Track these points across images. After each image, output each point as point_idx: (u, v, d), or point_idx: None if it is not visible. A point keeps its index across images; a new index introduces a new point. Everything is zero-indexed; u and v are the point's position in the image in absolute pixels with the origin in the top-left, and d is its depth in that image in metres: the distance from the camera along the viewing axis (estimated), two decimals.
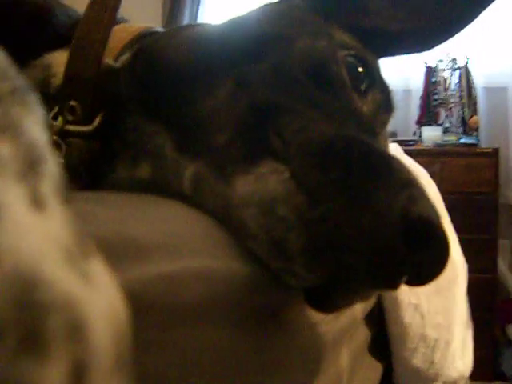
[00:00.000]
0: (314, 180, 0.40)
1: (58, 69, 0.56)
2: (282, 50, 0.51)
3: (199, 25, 0.62)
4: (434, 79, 3.21)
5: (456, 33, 0.64)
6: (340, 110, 0.48)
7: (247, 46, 0.52)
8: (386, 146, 0.57)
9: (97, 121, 0.54)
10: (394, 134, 3.36)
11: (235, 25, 0.58)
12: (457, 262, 0.94)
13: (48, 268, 0.19)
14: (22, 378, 0.17)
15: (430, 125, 3.14)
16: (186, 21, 3.60)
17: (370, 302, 0.76)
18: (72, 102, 0.54)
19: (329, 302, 0.44)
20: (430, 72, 3.22)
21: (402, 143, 3.07)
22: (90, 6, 0.57)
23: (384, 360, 0.92)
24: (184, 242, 0.40)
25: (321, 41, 0.53)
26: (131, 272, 0.33)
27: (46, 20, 0.60)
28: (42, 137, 0.24)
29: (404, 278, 0.41)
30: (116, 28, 0.60)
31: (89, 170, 0.55)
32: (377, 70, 0.57)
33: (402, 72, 3.36)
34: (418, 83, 3.30)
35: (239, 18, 0.60)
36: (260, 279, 0.43)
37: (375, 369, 0.88)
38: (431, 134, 2.96)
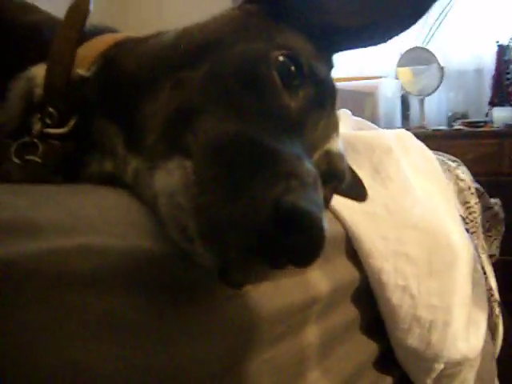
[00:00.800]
0: (206, 173, 0.46)
1: (40, 80, 0.64)
2: (218, 56, 0.56)
3: (161, 33, 0.68)
4: (506, 57, 3.09)
5: (411, 25, 0.67)
6: (258, 109, 0.52)
7: (188, 52, 0.58)
8: (320, 135, 0.59)
9: (70, 124, 0.62)
10: (464, 116, 3.29)
11: (185, 32, 0.64)
12: (456, 245, 0.94)
13: None
14: None
15: (502, 105, 3.04)
16: None
17: (340, 282, 0.79)
18: (50, 109, 0.62)
19: (232, 279, 0.49)
20: (502, 50, 3.11)
21: (470, 125, 3.00)
22: (63, 24, 0.65)
23: (382, 339, 0.95)
24: (90, 224, 0.47)
25: (256, 44, 0.58)
26: (28, 246, 0.40)
27: (33, 37, 0.68)
28: None
29: (284, 260, 0.45)
30: (94, 39, 0.68)
31: (66, 166, 0.63)
32: (312, 67, 0.59)
33: (473, 51, 3.27)
34: (489, 62, 3.19)
35: (192, 25, 0.65)
36: (171, 257, 0.49)
37: (365, 346, 0.91)
38: (501, 115, 2.86)
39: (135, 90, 0.59)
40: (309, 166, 0.47)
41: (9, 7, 0.72)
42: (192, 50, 0.59)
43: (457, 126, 3.22)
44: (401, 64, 3.46)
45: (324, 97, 0.60)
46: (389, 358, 0.97)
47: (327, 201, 0.63)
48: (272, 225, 0.41)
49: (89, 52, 0.65)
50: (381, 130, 1.17)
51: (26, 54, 0.66)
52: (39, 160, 0.60)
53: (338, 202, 0.81)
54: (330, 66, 0.68)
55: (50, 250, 0.41)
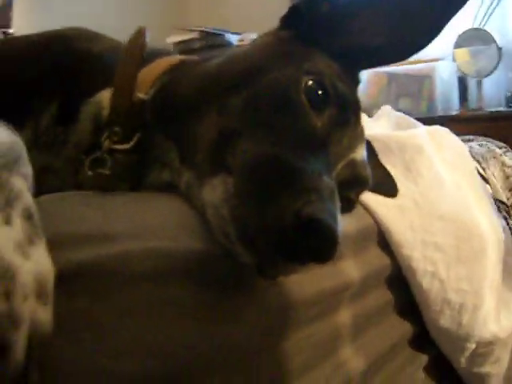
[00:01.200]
0: (242, 188, 0.56)
1: (106, 103, 0.75)
2: (255, 83, 0.67)
3: (211, 57, 0.78)
4: None
5: (428, 43, 0.76)
6: (288, 130, 0.62)
7: (229, 79, 0.69)
8: (345, 147, 0.69)
9: (134, 140, 0.73)
10: None
11: (228, 59, 0.74)
12: (484, 234, 1.02)
13: (2, 251, 0.39)
14: None
15: None
16: None
17: (371, 269, 0.89)
18: (116, 128, 0.73)
19: (267, 273, 0.60)
20: None
21: None
22: (124, 55, 0.76)
23: (416, 320, 1.04)
24: (151, 230, 0.59)
25: (287, 71, 0.68)
26: (103, 252, 0.53)
27: (100, 65, 0.79)
28: (22, 185, 0.46)
29: (306, 258, 0.55)
30: (151, 65, 0.79)
31: (132, 176, 0.74)
32: (336, 89, 0.68)
33: None
34: None
35: (235, 52, 0.76)
36: (217, 256, 0.60)
37: (398, 327, 1.00)
38: None
39: (186, 112, 0.69)
40: (327, 182, 0.57)
41: (83, 37, 0.83)
42: (233, 77, 0.69)
43: None
44: (458, 45, 3.46)
45: (347, 114, 0.70)
46: (424, 338, 1.06)
47: (353, 203, 0.73)
48: (293, 230, 0.52)
49: (147, 77, 0.76)
50: (419, 126, 1.24)
51: (94, 81, 0.77)
52: (108, 172, 0.72)
53: (370, 198, 0.91)
54: (356, 82, 0.77)
55: (119, 253, 0.54)
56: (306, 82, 0.66)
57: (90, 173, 0.72)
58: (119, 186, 0.72)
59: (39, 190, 0.70)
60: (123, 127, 0.73)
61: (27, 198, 0.46)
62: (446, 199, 1.00)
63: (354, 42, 0.76)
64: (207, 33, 3.95)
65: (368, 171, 0.72)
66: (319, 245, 0.53)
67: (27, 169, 0.50)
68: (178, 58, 0.83)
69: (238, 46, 0.77)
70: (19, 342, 0.38)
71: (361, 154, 0.72)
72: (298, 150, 0.60)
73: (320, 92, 0.67)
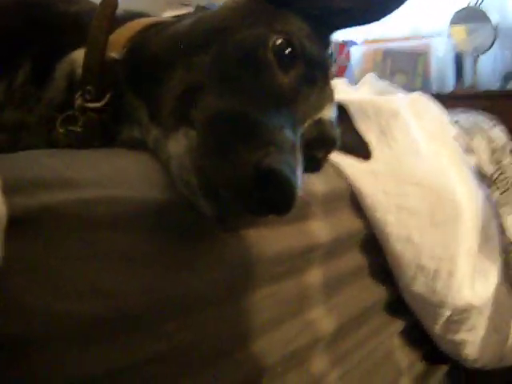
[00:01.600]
0: (204, 141, 0.57)
1: (80, 63, 0.76)
2: (223, 41, 0.67)
3: (182, 18, 0.78)
4: None
5: (399, 6, 0.76)
6: (254, 87, 0.63)
7: (199, 38, 0.69)
8: (312, 106, 0.69)
9: (105, 99, 0.73)
10: None
11: (199, 19, 0.74)
12: (460, 201, 1.02)
13: None
14: None
15: None
16: None
17: (343, 232, 0.89)
18: (88, 87, 0.74)
19: (227, 225, 0.60)
20: None
21: None
22: (96, 14, 0.76)
23: (391, 286, 1.04)
24: (114, 180, 0.59)
25: (256, 30, 0.68)
26: (60, 196, 0.53)
27: (75, 26, 0.79)
28: None
29: (264, 209, 0.55)
30: (125, 26, 0.79)
31: (104, 134, 0.75)
32: (304, 49, 0.69)
33: None
34: None
35: (206, 13, 0.76)
36: (177, 205, 0.60)
37: (373, 290, 1.01)
38: None
39: (155, 70, 0.70)
40: (288, 135, 0.57)
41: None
42: (202, 35, 0.69)
43: (510, 85, 3.19)
44: (454, 23, 3.42)
45: (315, 73, 0.70)
46: (400, 304, 1.07)
47: (321, 162, 0.73)
48: (253, 181, 0.52)
49: (120, 37, 0.77)
50: (401, 94, 1.24)
51: (69, 40, 0.78)
52: (79, 130, 0.73)
53: (343, 160, 0.91)
54: (327, 43, 0.77)
55: (78, 199, 0.54)
56: (275, 41, 0.67)
57: (61, 130, 0.73)
58: (91, 143, 0.73)
59: (14, 148, 0.71)
60: (95, 86, 0.74)
61: None
62: (422, 165, 1.00)
63: (323, 4, 0.76)
64: (202, 7, 3.92)
65: (336, 131, 0.72)
66: (277, 196, 0.53)
67: None
68: (151, 19, 0.83)
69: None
70: None
71: (329, 113, 0.72)
72: (262, 105, 0.61)
73: (288, 51, 0.67)
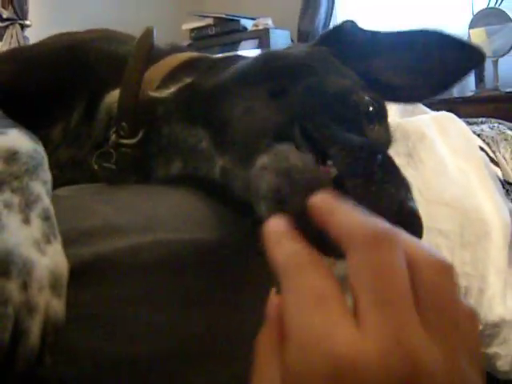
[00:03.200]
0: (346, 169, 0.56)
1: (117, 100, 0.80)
2: (313, 79, 0.69)
3: (237, 58, 0.82)
4: None
5: (449, 88, 0.83)
6: (356, 132, 0.64)
7: (281, 70, 0.71)
8: None
9: (139, 135, 0.77)
10: None
11: (268, 55, 0.78)
12: (489, 219, 1.04)
13: (21, 248, 0.43)
14: None
15: None
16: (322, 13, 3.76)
17: None
18: (123, 123, 0.77)
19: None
20: None
21: None
22: (132, 56, 0.80)
23: None
24: (159, 222, 0.63)
25: (347, 80, 0.71)
26: (108, 245, 0.56)
27: (120, 65, 0.83)
28: (40, 189, 0.52)
29: None
30: (161, 62, 0.83)
31: (138, 170, 0.78)
32: (384, 111, 0.73)
33: None
34: None
35: (269, 52, 0.80)
36: (224, 246, 0.64)
37: None
38: None
39: (224, 99, 0.71)
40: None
41: (106, 39, 0.89)
42: (285, 68, 0.71)
43: None
44: (473, 25, 3.43)
45: (389, 137, 0.75)
46: None
47: None
48: (396, 216, 0.53)
49: (154, 75, 0.80)
50: (426, 111, 1.26)
51: (114, 79, 0.81)
52: (113, 166, 0.76)
53: None
54: None
55: (129, 246, 0.57)
56: (364, 97, 0.69)
57: (96, 166, 0.76)
58: (125, 179, 0.76)
59: (64, 181, 0.75)
60: (129, 123, 0.77)
61: (45, 201, 0.52)
62: (449, 185, 1.02)
63: (375, 76, 0.80)
64: (222, 18, 3.97)
65: None
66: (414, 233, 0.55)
67: (46, 175, 0.56)
68: (186, 55, 0.87)
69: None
70: (35, 329, 0.42)
71: None
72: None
73: (371, 109, 0.70)
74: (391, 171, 0.58)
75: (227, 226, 0.67)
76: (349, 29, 0.81)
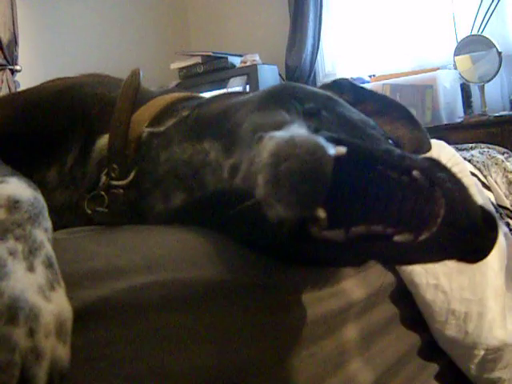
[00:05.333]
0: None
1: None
2: (340, 108, 0.72)
3: (228, 95, 0.85)
4: None
5: None
6: None
7: (307, 96, 0.72)
8: None
9: (131, 175, 0.78)
10: None
11: (286, 84, 0.80)
12: None
13: (27, 294, 0.44)
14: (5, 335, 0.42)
15: None
16: (310, 28, 3.82)
17: (374, 287, 0.92)
18: (114, 165, 0.78)
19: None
20: None
21: None
22: (119, 99, 0.82)
23: (424, 331, 1.07)
24: (159, 263, 0.63)
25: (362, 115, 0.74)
26: (109, 287, 0.57)
27: (110, 111, 0.85)
28: (43, 236, 0.52)
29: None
30: (150, 103, 0.84)
31: (133, 211, 0.79)
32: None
33: None
34: None
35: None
36: (225, 283, 0.64)
37: (406, 338, 1.03)
38: None
39: (239, 112, 0.72)
40: None
41: (98, 83, 0.91)
42: (312, 94, 0.74)
43: None
44: (458, 52, 3.49)
45: None
46: (434, 347, 1.09)
47: None
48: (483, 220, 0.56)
49: (143, 116, 0.82)
50: None
51: (106, 122, 0.83)
52: (105, 210, 0.77)
53: None
54: None
55: (130, 287, 0.58)
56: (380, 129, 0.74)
57: (89, 211, 0.77)
58: (120, 221, 0.76)
59: (61, 225, 0.76)
60: (120, 164, 0.79)
61: (48, 248, 0.52)
62: None
63: None
64: (209, 56, 4.02)
65: None
66: (493, 236, 0.57)
67: (47, 223, 0.56)
68: (175, 95, 0.89)
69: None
70: (41, 376, 0.43)
71: None
72: None
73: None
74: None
75: (226, 262, 0.68)
76: (349, 84, 0.89)
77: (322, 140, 0.50)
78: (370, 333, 0.93)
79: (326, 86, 0.88)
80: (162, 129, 0.80)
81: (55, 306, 0.47)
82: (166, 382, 0.57)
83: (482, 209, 0.56)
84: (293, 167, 0.48)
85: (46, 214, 0.57)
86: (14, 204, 0.53)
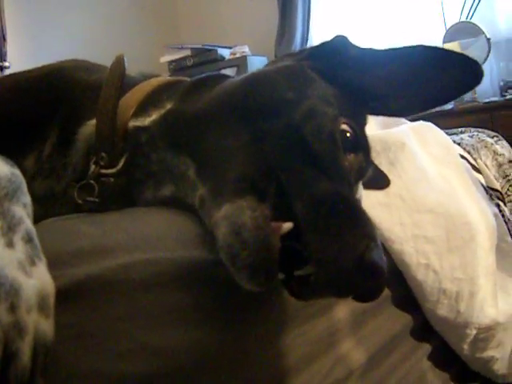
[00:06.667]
0: (310, 222, 0.58)
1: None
2: (293, 111, 0.68)
3: (221, 78, 0.82)
4: None
5: (445, 103, 0.85)
6: (330, 169, 0.64)
7: (263, 104, 0.70)
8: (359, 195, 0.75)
9: (120, 164, 0.77)
10: None
11: (253, 83, 0.75)
12: (474, 223, 1.05)
13: (6, 270, 0.44)
14: None
15: None
16: (299, 18, 3.81)
17: None
18: (102, 153, 0.77)
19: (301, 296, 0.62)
20: None
21: None
22: (105, 84, 0.80)
23: (416, 311, 1.07)
24: (146, 242, 0.63)
25: (327, 108, 0.70)
26: (98, 265, 0.57)
27: (93, 94, 0.82)
28: (21, 212, 0.52)
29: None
30: (135, 88, 0.83)
31: (123, 198, 0.78)
32: (359, 136, 0.73)
33: None
34: None
35: (257, 74, 0.78)
36: (210, 263, 0.64)
37: (398, 319, 1.04)
38: None
39: (207, 130, 0.71)
40: (375, 230, 0.60)
41: (80, 68, 0.89)
42: (267, 103, 0.70)
43: (509, 95, 3.24)
44: (447, 40, 3.49)
45: (368, 160, 0.76)
46: (426, 328, 1.09)
47: None
48: (356, 269, 0.55)
49: (129, 101, 0.81)
50: (406, 123, 1.28)
51: (88, 108, 0.82)
52: (96, 200, 0.75)
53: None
54: (364, 123, 0.81)
55: (118, 265, 0.58)
56: (341, 125, 0.70)
57: (79, 201, 0.76)
58: (109, 208, 0.75)
59: (44, 215, 0.75)
60: (109, 152, 0.77)
61: (27, 224, 0.52)
62: (432, 192, 1.03)
63: (367, 88, 0.81)
64: (199, 49, 4.01)
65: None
66: (371, 286, 0.58)
67: (26, 198, 0.56)
68: (161, 79, 0.88)
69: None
70: (25, 351, 0.42)
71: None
72: (347, 189, 0.65)
73: (348, 136, 0.71)
74: (354, 218, 0.59)
75: (213, 242, 0.68)
76: (340, 44, 0.82)
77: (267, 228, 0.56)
78: (362, 313, 0.93)
79: (313, 52, 0.84)
80: (146, 123, 0.78)
81: (36, 280, 0.47)
82: (154, 359, 0.57)
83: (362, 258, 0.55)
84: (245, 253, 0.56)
85: (25, 189, 0.56)
86: None
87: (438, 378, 1.14)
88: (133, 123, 0.79)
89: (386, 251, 0.99)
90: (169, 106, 0.79)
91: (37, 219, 0.67)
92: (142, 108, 0.80)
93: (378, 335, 0.96)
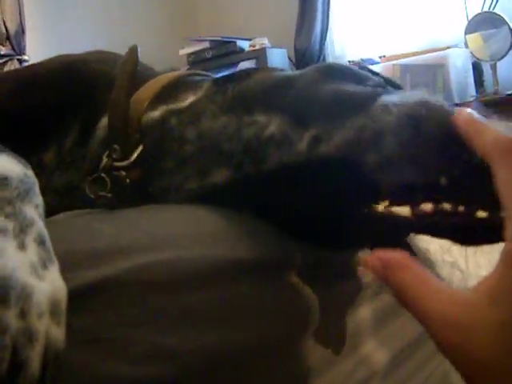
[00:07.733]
0: None
1: None
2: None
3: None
4: None
5: None
6: None
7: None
8: None
9: (134, 156, 0.75)
10: None
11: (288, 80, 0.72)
12: None
13: (18, 273, 0.42)
14: None
15: None
16: (318, 9, 3.78)
17: None
18: (115, 145, 0.76)
19: None
20: None
21: None
22: (117, 76, 0.79)
23: None
24: (163, 241, 0.61)
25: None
26: (117, 265, 0.55)
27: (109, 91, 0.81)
28: (33, 213, 0.50)
29: None
30: (150, 82, 0.81)
31: (137, 192, 0.76)
32: None
33: None
34: None
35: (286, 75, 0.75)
36: (227, 262, 0.62)
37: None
38: None
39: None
40: None
41: (102, 60, 0.88)
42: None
43: None
44: (469, 31, 3.43)
45: None
46: None
47: None
48: None
49: (144, 95, 0.79)
50: None
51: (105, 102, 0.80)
52: (109, 195, 0.74)
53: None
54: None
55: (136, 266, 0.56)
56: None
57: (92, 195, 0.74)
58: (123, 204, 0.73)
59: (62, 208, 0.73)
60: (121, 144, 0.76)
61: (39, 226, 0.50)
62: None
63: None
64: (218, 41, 3.99)
65: None
66: None
67: (38, 199, 0.54)
68: (175, 73, 0.86)
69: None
70: (35, 358, 0.40)
71: None
72: None
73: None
74: None
75: (233, 241, 0.66)
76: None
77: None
78: (384, 313, 0.90)
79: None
80: (183, 104, 0.76)
81: (48, 284, 0.45)
82: (172, 363, 0.55)
83: None
84: (431, 130, 0.52)
85: (37, 190, 0.54)
86: (3, 181, 0.50)
87: (461, 380, 1.11)
88: (162, 107, 0.77)
89: (411, 249, 0.97)
90: (207, 87, 0.77)
91: (56, 212, 0.65)
92: (169, 96, 0.79)
93: (401, 335, 0.94)
